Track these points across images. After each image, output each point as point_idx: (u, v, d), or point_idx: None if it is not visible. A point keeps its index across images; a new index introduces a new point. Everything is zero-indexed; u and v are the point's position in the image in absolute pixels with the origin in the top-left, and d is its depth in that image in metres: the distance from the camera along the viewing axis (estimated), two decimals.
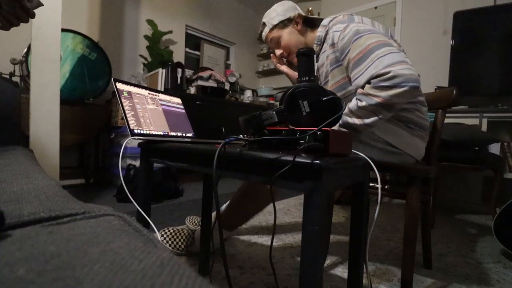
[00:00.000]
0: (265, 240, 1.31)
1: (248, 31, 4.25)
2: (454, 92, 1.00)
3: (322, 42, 0.99)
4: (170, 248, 1.10)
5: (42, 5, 0.84)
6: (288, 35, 1.04)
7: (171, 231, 1.14)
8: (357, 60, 0.82)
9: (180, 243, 1.10)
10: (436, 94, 1.08)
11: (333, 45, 0.91)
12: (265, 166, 0.49)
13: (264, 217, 1.65)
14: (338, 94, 0.91)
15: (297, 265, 1.07)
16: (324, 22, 0.99)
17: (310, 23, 1.06)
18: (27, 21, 0.83)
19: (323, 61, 0.98)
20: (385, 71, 0.74)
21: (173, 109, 0.89)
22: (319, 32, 0.99)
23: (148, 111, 0.78)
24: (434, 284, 1.00)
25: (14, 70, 1.98)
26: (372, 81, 0.76)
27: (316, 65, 1.03)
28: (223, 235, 1.15)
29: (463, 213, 2.03)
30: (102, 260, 0.18)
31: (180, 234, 1.12)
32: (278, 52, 1.08)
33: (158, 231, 1.15)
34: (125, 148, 2.18)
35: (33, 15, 0.83)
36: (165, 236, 1.12)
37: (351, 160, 0.53)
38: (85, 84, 2.15)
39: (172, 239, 1.11)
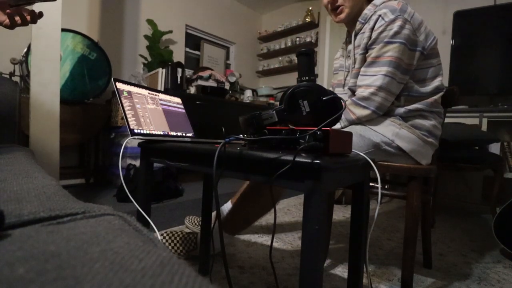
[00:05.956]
0: (265, 240, 1.31)
1: (248, 31, 4.25)
2: (454, 92, 1.00)
3: (366, 21, 0.91)
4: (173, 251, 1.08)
5: (42, 14, 0.86)
6: None
7: (169, 234, 1.11)
8: (371, 61, 0.88)
9: (178, 245, 1.09)
10: None
11: (372, 29, 0.88)
12: (265, 166, 0.49)
13: (264, 217, 1.64)
14: (353, 81, 0.96)
15: (297, 265, 1.07)
16: (376, 1, 0.91)
17: None
18: (26, 25, 0.84)
19: (359, 42, 0.92)
20: (366, 89, 0.86)
21: (173, 108, 0.89)
22: (367, 10, 0.91)
23: (148, 111, 0.78)
24: (434, 283, 1.00)
25: (14, 70, 1.98)
26: (355, 96, 0.90)
27: (351, 45, 0.97)
28: (225, 239, 1.14)
29: (463, 213, 2.03)
30: (102, 260, 0.18)
31: (176, 237, 1.10)
32: None
33: (158, 230, 1.14)
34: (125, 148, 2.18)
35: (35, 21, 0.85)
36: (164, 235, 1.11)
37: (351, 160, 0.52)
38: (85, 84, 2.15)
39: (170, 241, 1.10)
